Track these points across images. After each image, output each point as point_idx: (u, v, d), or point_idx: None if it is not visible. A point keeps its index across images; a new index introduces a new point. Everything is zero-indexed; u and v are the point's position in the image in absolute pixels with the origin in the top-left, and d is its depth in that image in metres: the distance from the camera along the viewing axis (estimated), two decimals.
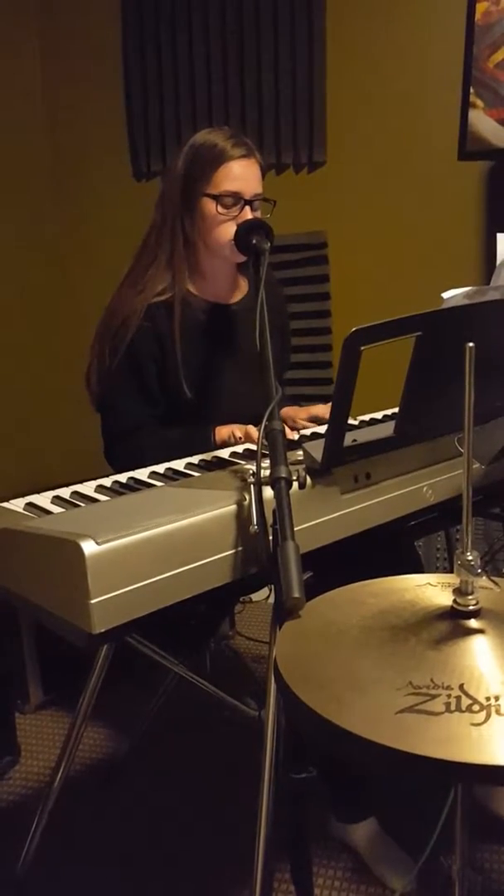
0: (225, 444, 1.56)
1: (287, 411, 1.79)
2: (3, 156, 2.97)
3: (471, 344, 0.72)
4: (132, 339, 1.61)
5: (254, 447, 1.49)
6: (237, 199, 1.61)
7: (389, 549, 1.52)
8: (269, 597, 2.86)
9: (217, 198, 1.60)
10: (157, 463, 1.43)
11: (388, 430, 1.28)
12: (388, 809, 1.69)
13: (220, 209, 1.60)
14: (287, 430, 1.58)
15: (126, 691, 1.99)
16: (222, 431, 1.58)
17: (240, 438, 1.54)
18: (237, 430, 1.55)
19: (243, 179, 1.61)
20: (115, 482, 1.34)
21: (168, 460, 1.44)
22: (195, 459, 1.44)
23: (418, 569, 1.78)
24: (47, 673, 2.27)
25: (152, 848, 1.75)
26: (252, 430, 1.52)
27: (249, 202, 1.62)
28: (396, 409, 1.27)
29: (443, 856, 1.03)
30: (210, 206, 1.61)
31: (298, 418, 1.73)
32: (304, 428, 1.64)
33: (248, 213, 1.62)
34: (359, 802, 1.68)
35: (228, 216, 1.61)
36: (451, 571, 0.85)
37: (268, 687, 1.21)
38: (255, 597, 2.71)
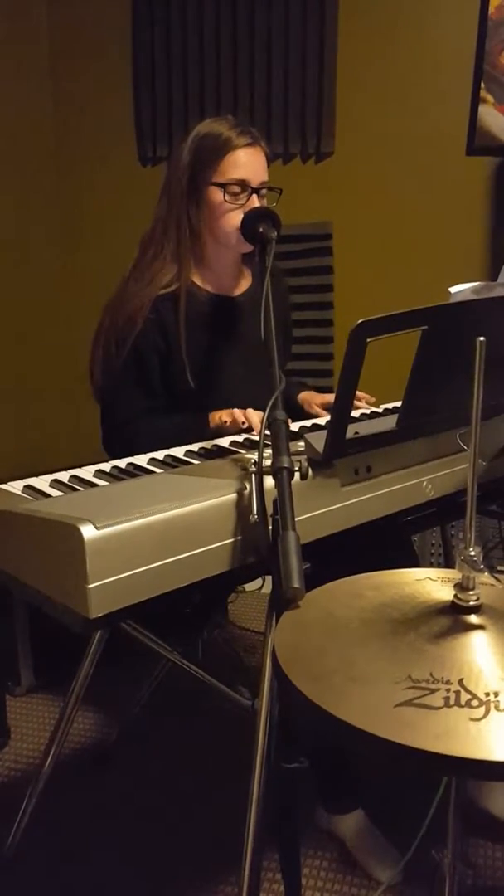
0: (219, 429, 1.54)
1: (304, 396, 1.80)
2: (9, 139, 2.95)
3: (482, 338, 0.72)
4: (139, 333, 1.60)
5: (254, 437, 1.48)
6: (244, 186, 1.60)
7: (387, 542, 1.52)
8: (261, 587, 2.85)
9: (224, 186, 1.59)
10: (150, 452, 1.42)
11: (390, 423, 1.28)
12: (376, 802, 1.69)
13: (226, 197, 1.59)
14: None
15: (118, 677, 1.99)
16: (214, 416, 1.57)
17: (225, 422, 1.51)
18: (224, 414, 1.52)
19: (250, 167, 1.60)
20: (115, 467, 1.34)
21: (162, 449, 1.43)
22: (195, 447, 1.43)
23: (414, 564, 1.78)
24: (39, 656, 2.27)
25: (141, 832, 1.75)
26: (237, 412, 1.50)
27: (256, 190, 1.61)
28: (398, 403, 1.27)
29: (434, 849, 1.03)
30: (217, 194, 1.60)
31: (314, 403, 1.73)
32: (319, 416, 1.65)
33: (255, 202, 1.61)
34: (347, 794, 1.68)
35: (235, 204, 1.60)
36: (446, 567, 0.85)
37: (262, 676, 1.21)
38: (248, 587, 2.71)
